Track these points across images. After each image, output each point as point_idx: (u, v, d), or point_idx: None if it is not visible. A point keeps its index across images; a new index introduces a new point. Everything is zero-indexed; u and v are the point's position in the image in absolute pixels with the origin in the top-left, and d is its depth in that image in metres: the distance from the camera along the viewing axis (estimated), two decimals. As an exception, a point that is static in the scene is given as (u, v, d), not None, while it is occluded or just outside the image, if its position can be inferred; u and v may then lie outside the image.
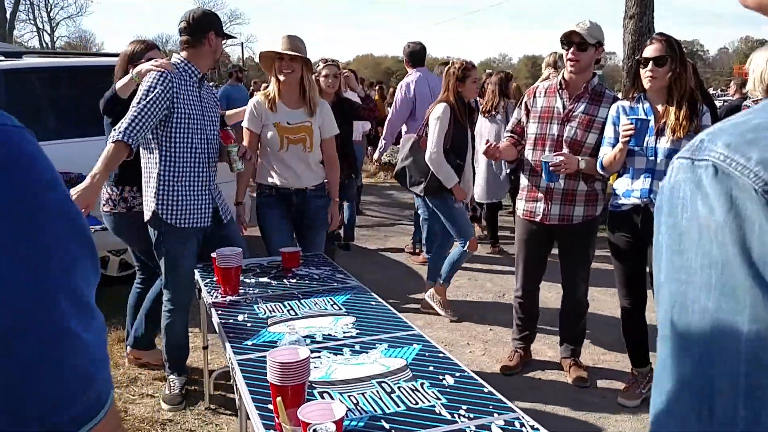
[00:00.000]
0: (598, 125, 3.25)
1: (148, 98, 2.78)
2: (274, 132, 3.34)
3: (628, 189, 3.10)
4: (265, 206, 3.46)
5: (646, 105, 3.05)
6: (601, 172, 3.19)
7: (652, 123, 3.00)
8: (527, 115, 3.42)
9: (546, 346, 3.92)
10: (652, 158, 2.99)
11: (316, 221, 3.50)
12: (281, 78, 3.32)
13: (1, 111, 0.54)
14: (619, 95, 4.57)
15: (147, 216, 3.00)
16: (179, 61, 2.99)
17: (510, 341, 3.78)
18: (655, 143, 2.98)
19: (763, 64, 2.87)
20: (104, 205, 3.38)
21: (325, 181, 3.54)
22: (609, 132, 3.15)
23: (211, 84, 3.29)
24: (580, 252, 3.46)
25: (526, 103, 3.44)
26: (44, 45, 36.81)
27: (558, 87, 3.33)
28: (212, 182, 3.11)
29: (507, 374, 3.57)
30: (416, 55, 5.64)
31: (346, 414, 1.64)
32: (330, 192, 3.57)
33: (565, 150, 3.27)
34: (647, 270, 3.25)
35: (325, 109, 3.48)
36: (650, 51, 2.95)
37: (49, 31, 38.46)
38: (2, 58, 4.82)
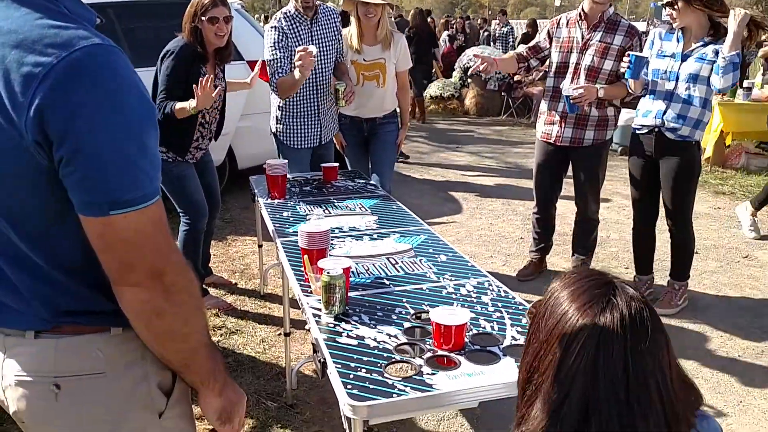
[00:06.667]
0: (613, 52, 3.55)
1: (270, 56, 3.43)
2: (351, 69, 3.73)
3: (647, 110, 3.44)
4: (342, 129, 3.93)
5: (680, 33, 3.32)
6: (630, 91, 3.50)
7: (650, 59, 3.33)
8: (550, 44, 3.75)
9: (563, 260, 4.36)
10: (673, 82, 3.31)
11: (385, 144, 3.90)
12: (363, 20, 3.64)
13: (104, 37, 0.98)
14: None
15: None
16: (290, 10, 3.47)
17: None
18: (678, 68, 3.29)
19: None
20: None
21: (396, 108, 3.95)
22: (646, 54, 3.44)
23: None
24: (591, 172, 3.83)
25: (549, 31, 3.77)
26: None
27: (578, 18, 3.64)
28: (322, 108, 3.60)
29: (521, 280, 4.04)
30: None
31: (358, 274, 2.16)
32: (401, 118, 4.00)
33: (583, 77, 3.60)
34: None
35: (402, 43, 3.79)
36: None
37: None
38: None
